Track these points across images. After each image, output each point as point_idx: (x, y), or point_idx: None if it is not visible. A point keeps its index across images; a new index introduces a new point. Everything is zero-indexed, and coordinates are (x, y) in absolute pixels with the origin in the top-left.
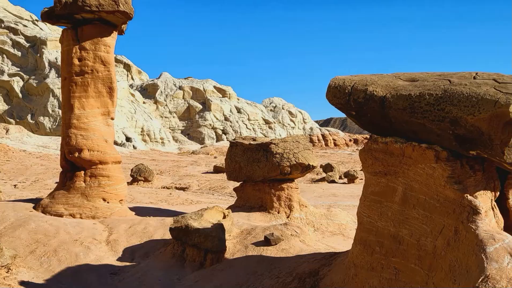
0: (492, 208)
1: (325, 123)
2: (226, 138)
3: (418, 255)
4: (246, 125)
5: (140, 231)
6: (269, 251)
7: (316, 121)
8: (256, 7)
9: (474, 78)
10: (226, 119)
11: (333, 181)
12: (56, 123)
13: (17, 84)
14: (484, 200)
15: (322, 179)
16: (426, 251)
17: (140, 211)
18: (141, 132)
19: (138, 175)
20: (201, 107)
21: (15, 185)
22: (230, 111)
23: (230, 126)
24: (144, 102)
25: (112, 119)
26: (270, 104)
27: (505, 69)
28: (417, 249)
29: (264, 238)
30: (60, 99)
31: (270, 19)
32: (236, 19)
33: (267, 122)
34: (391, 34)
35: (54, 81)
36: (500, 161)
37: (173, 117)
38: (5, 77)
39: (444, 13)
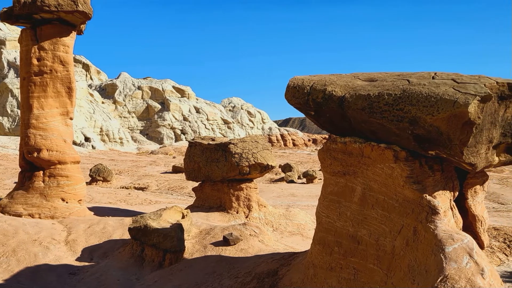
0: (451, 208)
1: (284, 123)
2: (185, 138)
3: (377, 255)
4: (205, 125)
5: (99, 231)
6: (228, 251)
7: (275, 121)
8: (214, 7)
9: (433, 78)
10: (185, 119)
11: (292, 181)
12: (15, 123)
13: None
14: (443, 200)
15: (281, 179)
16: (385, 251)
17: (99, 211)
18: (100, 132)
19: (97, 175)
20: (160, 107)
21: None
22: (189, 111)
23: (189, 126)
24: (103, 102)
25: (71, 119)
26: (229, 104)
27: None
28: (376, 249)
29: (223, 238)
30: (19, 99)
31: (229, 19)
32: (195, 19)
33: (226, 122)
34: (349, 34)
35: (13, 81)
36: (458, 161)
37: (132, 117)
38: None
39: (403, 13)
